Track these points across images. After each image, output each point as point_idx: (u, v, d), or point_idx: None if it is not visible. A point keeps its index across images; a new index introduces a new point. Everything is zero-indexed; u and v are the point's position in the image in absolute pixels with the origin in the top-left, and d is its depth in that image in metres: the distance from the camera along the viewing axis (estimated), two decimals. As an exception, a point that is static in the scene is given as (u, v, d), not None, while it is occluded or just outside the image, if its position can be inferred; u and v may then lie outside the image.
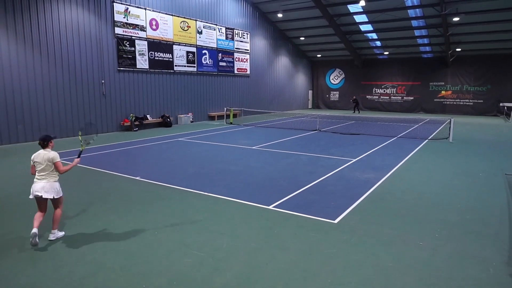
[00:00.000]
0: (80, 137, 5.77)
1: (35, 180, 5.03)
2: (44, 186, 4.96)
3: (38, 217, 5.03)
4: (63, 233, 5.34)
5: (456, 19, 22.23)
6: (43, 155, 5.03)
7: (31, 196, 5.03)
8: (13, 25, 13.13)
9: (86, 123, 5.69)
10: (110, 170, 9.27)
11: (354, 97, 31.45)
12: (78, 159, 5.46)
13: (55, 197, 5.07)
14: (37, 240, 4.77)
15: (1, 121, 13.05)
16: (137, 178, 8.56)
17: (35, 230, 4.79)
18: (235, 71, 24.67)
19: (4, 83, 13.02)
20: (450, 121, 15.30)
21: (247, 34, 25.51)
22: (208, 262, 4.58)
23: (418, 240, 5.25)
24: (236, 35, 24.46)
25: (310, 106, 36.07)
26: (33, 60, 13.83)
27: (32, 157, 5.08)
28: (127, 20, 17.19)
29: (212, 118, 22.92)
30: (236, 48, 24.52)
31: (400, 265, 4.54)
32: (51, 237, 5.14)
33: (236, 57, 24.64)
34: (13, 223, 5.80)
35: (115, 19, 16.63)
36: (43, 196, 4.95)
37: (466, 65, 28.65)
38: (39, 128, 14.14)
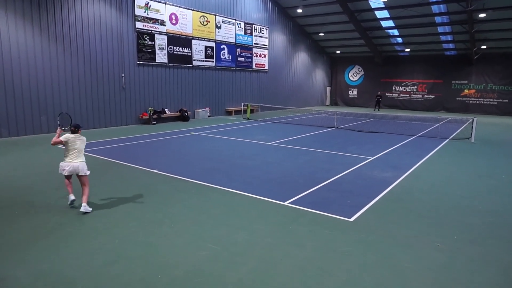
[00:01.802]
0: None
1: (71, 160, 5.98)
2: (81, 164, 6.00)
3: (68, 183, 6.19)
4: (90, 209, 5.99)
5: (482, 15, 21.51)
6: (78, 137, 6.04)
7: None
8: (38, 19, 13.47)
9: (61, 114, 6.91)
10: (128, 162, 9.44)
11: (379, 93, 30.68)
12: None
13: (86, 173, 6.06)
14: (72, 202, 6.14)
15: (26, 113, 13.45)
16: (154, 170, 8.69)
17: (71, 196, 6.15)
18: (253, 67, 24.64)
19: (29, 75, 13.41)
20: (473, 120, 14.87)
21: (266, 29, 25.40)
22: (223, 256, 4.62)
23: (437, 242, 5.15)
24: (255, 30, 24.39)
25: (328, 103, 35.73)
26: (56, 54, 14.17)
27: (66, 136, 5.99)
28: (148, 14, 17.37)
29: (229, 113, 23.00)
30: (254, 43, 24.46)
31: (418, 266, 4.46)
32: (73, 201, 6.12)
33: (255, 53, 24.58)
34: (37, 211, 6.00)
35: (135, 13, 16.83)
36: (76, 173, 5.99)
37: (491, 63, 27.71)
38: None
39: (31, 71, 13.47)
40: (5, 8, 12.51)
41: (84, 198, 5.93)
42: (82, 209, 5.85)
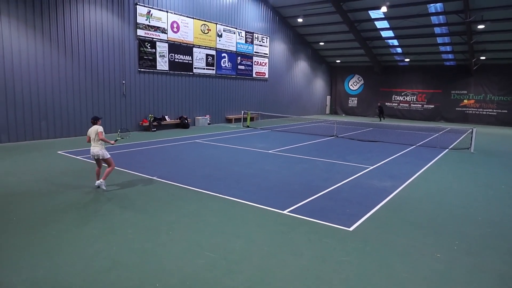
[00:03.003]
0: (118, 134, 8.27)
1: (91, 147, 7.48)
2: (97, 151, 7.42)
3: (97, 172, 7.72)
4: (104, 187, 7.51)
5: (481, 26, 21.70)
6: (93, 128, 7.41)
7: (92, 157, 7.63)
8: (40, 25, 13.58)
9: (122, 128, 8.29)
10: (127, 169, 9.43)
11: (379, 104, 30.71)
12: (114, 142, 7.81)
13: (104, 157, 7.48)
14: (97, 186, 7.56)
15: (26, 118, 13.48)
16: (153, 178, 8.67)
17: (97, 182, 7.58)
18: (254, 75, 24.76)
19: (30, 81, 13.47)
20: (472, 131, 14.91)
21: (267, 38, 25.59)
22: (220, 264, 4.59)
23: (435, 252, 5.12)
24: (256, 39, 24.57)
25: (327, 111, 35.83)
26: (57, 60, 14.26)
27: (88, 131, 7.51)
28: (149, 22, 17.52)
29: (229, 121, 23.05)
30: (255, 52, 24.63)
31: (416, 276, 4.44)
32: (97, 183, 7.53)
33: (255, 61, 24.74)
34: (32, 217, 5.97)
35: (137, 21, 16.98)
36: (97, 157, 7.48)
37: (490, 74, 27.89)
38: (61, 125, 14.54)
39: (32, 77, 13.54)
40: (8, 14, 12.63)
41: (103, 176, 7.51)
42: (96, 183, 7.51)
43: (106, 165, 7.79)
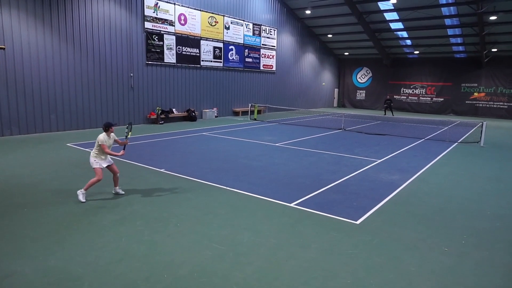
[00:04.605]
0: (126, 131, 7.16)
1: None
2: (90, 155, 6.54)
3: (113, 179, 6.81)
4: (82, 200, 6.39)
5: (493, 17, 21.26)
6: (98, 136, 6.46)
7: None
8: (49, 18, 13.65)
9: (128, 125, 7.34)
10: (135, 162, 9.51)
11: (388, 97, 29.89)
12: (121, 153, 6.68)
13: (92, 165, 6.51)
14: (80, 199, 6.43)
15: (36, 111, 13.63)
16: (161, 170, 8.74)
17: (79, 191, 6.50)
18: (261, 67, 24.65)
19: (39, 74, 13.58)
20: (482, 124, 14.71)
21: (274, 30, 25.40)
22: (228, 256, 4.63)
23: (443, 246, 5.10)
24: (263, 31, 24.41)
25: (335, 104, 35.59)
26: (66, 53, 14.34)
27: None
28: (157, 14, 17.49)
29: (236, 113, 23.04)
30: (262, 44, 24.48)
31: (424, 270, 4.43)
32: (79, 193, 6.44)
33: (262, 53, 24.61)
34: (44, 209, 6.07)
35: (145, 13, 16.96)
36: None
37: (502, 66, 27.37)
38: (70, 118, 14.68)
39: (42, 70, 13.65)
40: (17, 7, 12.70)
41: (86, 185, 6.50)
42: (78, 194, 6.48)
43: (114, 173, 6.82)
